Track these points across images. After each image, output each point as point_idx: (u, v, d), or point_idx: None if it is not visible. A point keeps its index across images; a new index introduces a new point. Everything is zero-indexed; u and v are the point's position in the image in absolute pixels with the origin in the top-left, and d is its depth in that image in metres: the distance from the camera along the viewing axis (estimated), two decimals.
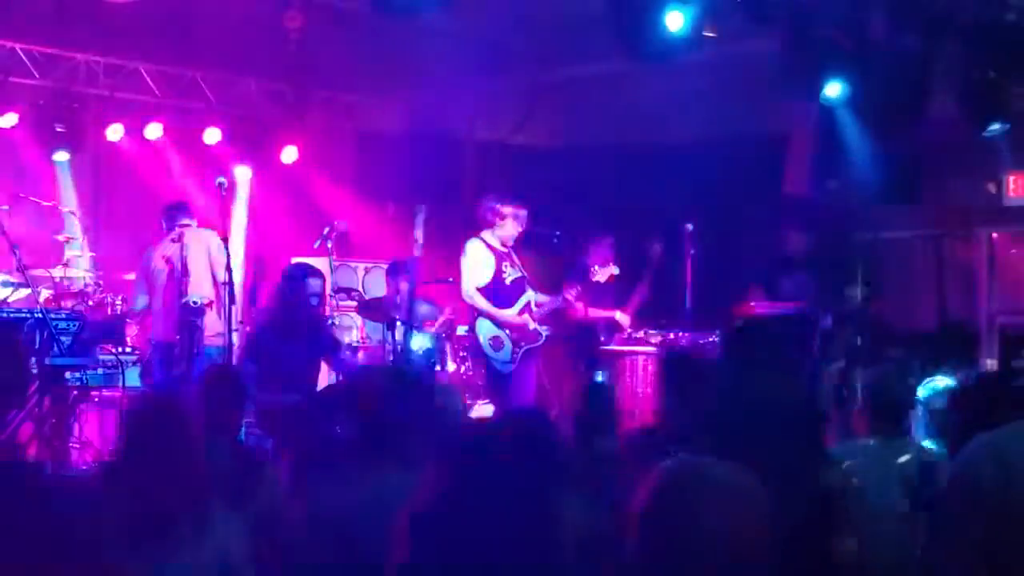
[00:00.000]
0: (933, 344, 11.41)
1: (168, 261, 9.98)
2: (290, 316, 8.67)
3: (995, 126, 9.83)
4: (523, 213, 9.78)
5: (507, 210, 9.72)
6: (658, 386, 5.94)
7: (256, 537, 4.58)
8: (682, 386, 5.52)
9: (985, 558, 3.27)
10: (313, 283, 8.69)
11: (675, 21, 8.76)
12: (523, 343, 9.75)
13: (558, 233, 10.12)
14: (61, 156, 12.12)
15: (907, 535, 4.46)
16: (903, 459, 5.34)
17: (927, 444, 5.54)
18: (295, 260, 10.51)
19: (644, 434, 5.62)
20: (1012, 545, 3.26)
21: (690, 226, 10.54)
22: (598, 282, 10.31)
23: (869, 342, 10.74)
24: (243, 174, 13.17)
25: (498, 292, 9.70)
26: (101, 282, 10.97)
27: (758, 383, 3.29)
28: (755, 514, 2.43)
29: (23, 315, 9.51)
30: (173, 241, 9.93)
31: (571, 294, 10.05)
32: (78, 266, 10.90)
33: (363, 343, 11.48)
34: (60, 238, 10.90)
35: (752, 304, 10.89)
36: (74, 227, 11.19)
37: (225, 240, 9.28)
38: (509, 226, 9.73)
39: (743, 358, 5.94)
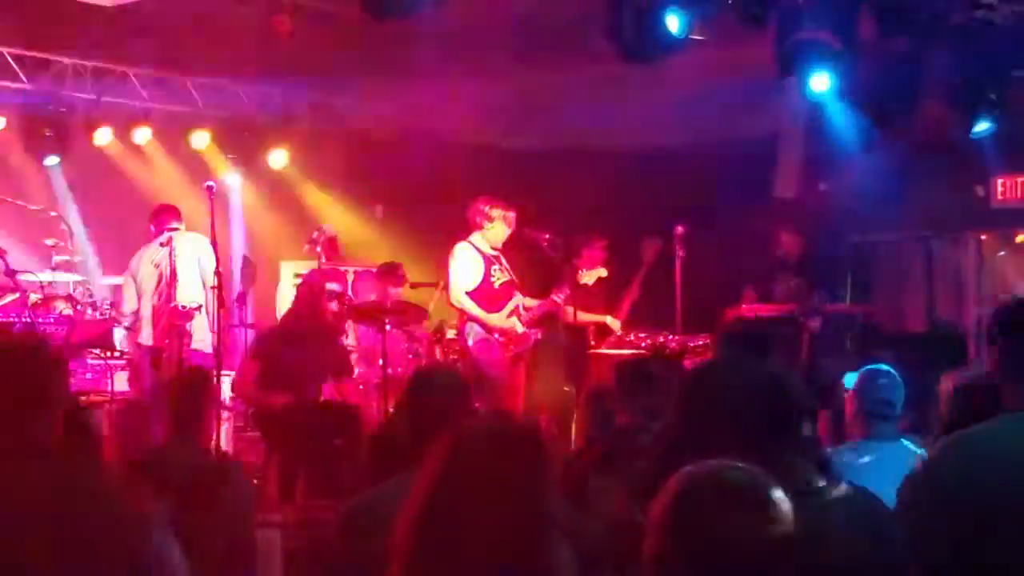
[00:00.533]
0: (923, 346, 11.43)
1: (157, 266, 9.96)
2: (297, 324, 8.74)
3: (983, 126, 9.84)
4: (511, 215, 9.77)
5: (496, 212, 9.70)
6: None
7: (222, 538, 4.56)
8: (634, 390, 5.52)
9: (954, 558, 3.25)
10: (328, 289, 8.79)
11: (674, 23, 8.76)
12: (511, 347, 9.75)
13: (548, 236, 10.12)
14: (52, 160, 12.09)
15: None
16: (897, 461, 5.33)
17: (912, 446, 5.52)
18: (316, 267, 10.58)
19: (631, 434, 5.60)
20: (979, 543, 3.24)
21: (681, 228, 10.54)
22: (587, 285, 10.31)
23: (858, 344, 10.77)
24: (232, 178, 13.16)
25: (486, 296, 9.69)
26: (90, 286, 10.94)
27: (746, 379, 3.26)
28: (779, 522, 2.37)
29: (11, 320, 9.50)
30: (162, 245, 9.91)
31: (560, 297, 10.05)
32: (67, 270, 10.87)
33: (354, 347, 11.46)
34: (48, 242, 10.86)
35: (743, 307, 10.90)
36: (62, 231, 11.15)
37: (214, 244, 9.26)
38: (498, 228, 9.71)
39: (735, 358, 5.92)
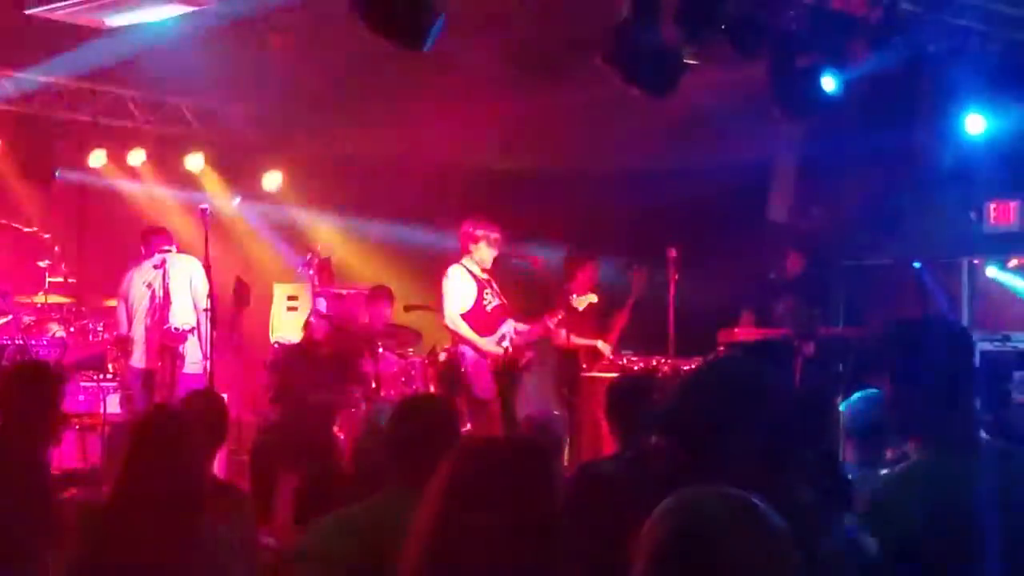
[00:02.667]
0: None
1: (149, 286, 9.95)
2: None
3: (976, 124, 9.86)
4: (496, 236, 9.75)
5: (479, 232, 9.70)
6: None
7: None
8: (631, 412, 5.49)
9: None
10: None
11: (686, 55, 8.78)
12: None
13: (541, 259, 10.12)
14: (64, 174, 12.09)
15: None
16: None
17: None
18: None
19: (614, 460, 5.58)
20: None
21: (673, 252, 10.54)
22: (578, 309, 10.31)
23: (851, 369, 10.75)
24: (226, 200, 13.17)
25: (479, 319, 9.68)
26: (83, 308, 10.94)
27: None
28: (777, 551, 2.31)
29: (4, 342, 9.51)
30: (155, 267, 9.90)
31: (552, 321, 10.06)
32: (60, 293, 10.86)
33: None
34: (42, 264, 10.87)
35: (736, 330, 10.90)
36: (56, 253, 11.16)
37: (207, 267, 9.27)
38: (483, 249, 9.70)
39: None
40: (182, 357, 9.79)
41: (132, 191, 12.89)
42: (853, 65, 9.18)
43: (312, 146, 13.48)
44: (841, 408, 5.83)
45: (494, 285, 9.83)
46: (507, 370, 9.86)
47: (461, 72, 10.97)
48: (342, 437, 9.25)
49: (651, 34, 8.25)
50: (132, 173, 12.83)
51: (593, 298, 10.50)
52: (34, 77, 11.75)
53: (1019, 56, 9.47)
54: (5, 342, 9.53)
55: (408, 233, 13.10)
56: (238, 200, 12.97)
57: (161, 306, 9.78)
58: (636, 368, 10.40)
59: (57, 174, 12.09)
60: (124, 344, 10.25)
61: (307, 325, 10.16)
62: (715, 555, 2.28)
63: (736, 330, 10.89)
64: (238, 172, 13.25)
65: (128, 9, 9.91)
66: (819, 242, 11.87)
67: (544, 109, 12.39)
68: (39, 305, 10.50)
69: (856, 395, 5.86)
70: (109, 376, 10.26)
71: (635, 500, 2.64)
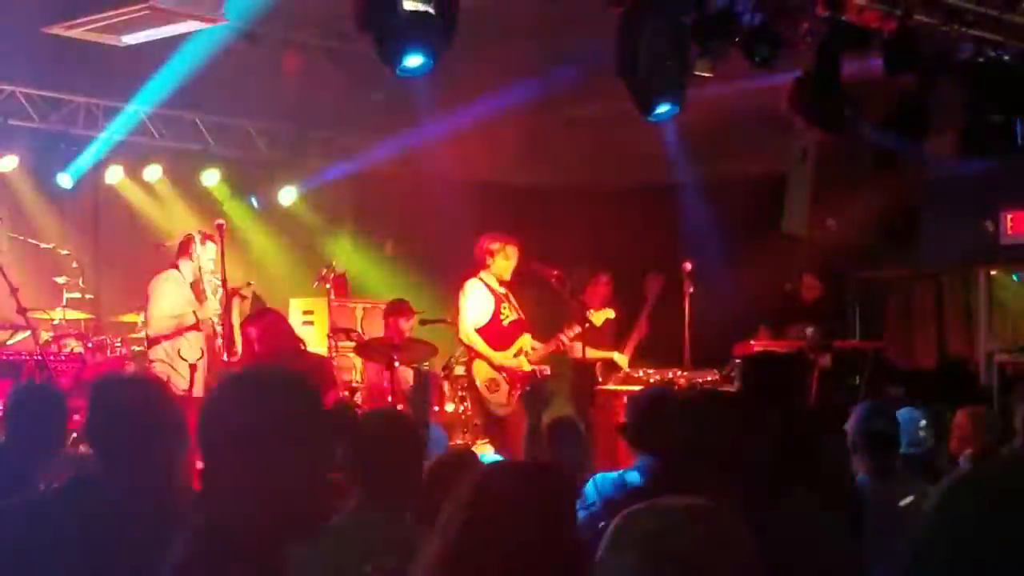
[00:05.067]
0: (933, 382, 11.39)
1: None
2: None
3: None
4: (513, 248, 9.79)
5: (495, 246, 9.74)
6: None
7: None
8: (649, 425, 5.46)
9: None
10: None
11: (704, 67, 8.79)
12: (519, 386, 9.73)
13: (556, 272, 10.13)
14: (66, 180, 12.03)
15: None
16: (905, 502, 5.27)
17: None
18: None
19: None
20: None
21: (689, 265, 10.54)
22: (594, 324, 10.32)
23: (869, 380, 10.74)
24: (242, 215, 13.19)
25: (495, 334, 9.69)
26: (101, 323, 10.96)
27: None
28: (736, 557, 2.31)
29: (23, 358, 9.52)
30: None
31: (569, 335, 10.07)
32: (77, 308, 10.87)
33: (362, 384, 11.45)
34: (59, 280, 10.88)
35: (752, 343, 10.89)
36: (73, 269, 11.17)
37: (224, 282, 9.26)
38: (500, 263, 9.73)
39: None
40: (199, 371, 9.77)
41: (148, 207, 12.91)
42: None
43: (327, 160, 13.50)
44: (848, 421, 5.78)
45: (512, 299, 9.85)
46: (535, 388, 9.90)
47: (475, 85, 10.98)
48: None
49: (640, 52, 8.24)
50: (148, 189, 12.86)
51: (611, 313, 10.50)
52: (50, 94, 11.79)
53: None
54: (23, 358, 9.54)
55: (424, 246, 13.12)
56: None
57: None
58: (652, 381, 10.39)
59: (68, 183, 12.04)
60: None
61: None
62: (667, 563, 2.27)
63: (752, 342, 10.88)
64: (254, 187, 13.28)
65: (144, 27, 9.96)
66: (835, 263, 11.85)
67: (560, 123, 12.42)
68: (57, 321, 10.51)
69: (862, 407, 5.80)
70: None
71: None
